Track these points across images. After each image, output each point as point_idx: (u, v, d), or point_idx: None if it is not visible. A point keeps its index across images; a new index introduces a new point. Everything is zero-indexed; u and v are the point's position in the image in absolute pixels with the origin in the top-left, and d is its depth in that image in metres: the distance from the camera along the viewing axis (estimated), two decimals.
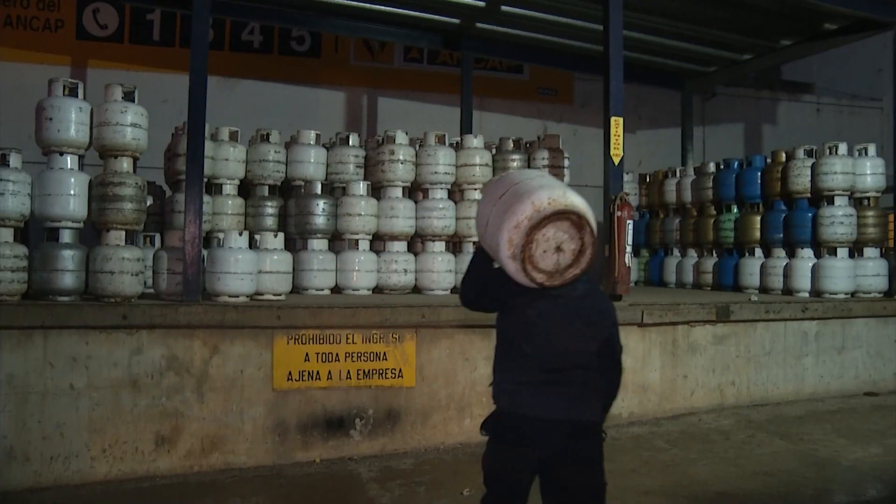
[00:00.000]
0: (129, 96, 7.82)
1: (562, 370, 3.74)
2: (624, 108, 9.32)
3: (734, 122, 17.23)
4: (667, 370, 9.30)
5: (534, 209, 3.54)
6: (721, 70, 14.63)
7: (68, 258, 7.43)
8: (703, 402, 9.50)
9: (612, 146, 9.19)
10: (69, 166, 7.66)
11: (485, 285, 4.00)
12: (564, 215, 3.58)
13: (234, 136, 9.67)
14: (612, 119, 9.20)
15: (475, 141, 10.25)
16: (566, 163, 10.27)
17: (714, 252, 12.51)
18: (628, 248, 8.99)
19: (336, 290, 9.50)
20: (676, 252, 13.29)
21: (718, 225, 12.30)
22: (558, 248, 3.64)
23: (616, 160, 9.21)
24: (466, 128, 12.20)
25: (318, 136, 10.13)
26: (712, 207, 12.64)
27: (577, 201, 3.63)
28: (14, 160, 7.53)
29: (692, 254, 12.90)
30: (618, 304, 8.95)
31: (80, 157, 7.79)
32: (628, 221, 8.96)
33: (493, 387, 4.01)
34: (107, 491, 6.90)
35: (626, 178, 10.46)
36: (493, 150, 10.55)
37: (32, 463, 6.91)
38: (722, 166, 12.57)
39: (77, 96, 7.71)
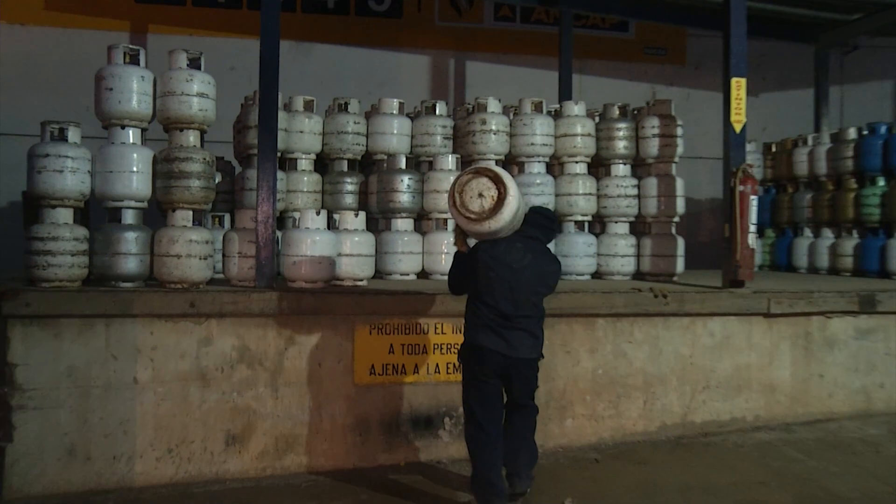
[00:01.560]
0: (194, 63, 7.86)
1: (510, 318, 6.12)
2: (747, 67, 9.00)
3: (881, 79, 16.28)
4: (799, 368, 9.01)
5: (464, 173, 6.09)
6: (865, 18, 13.32)
7: (131, 241, 7.52)
8: (844, 407, 9.16)
9: (732, 111, 8.89)
10: (131, 140, 7.74)
11: (462, 272, 6.32)
12: (482, 173, 6.00)
13: (309, 106, 9.67)
14: (733, 80, 8.90)
15: (576, 108, 10.08)
16: (679, 131, 9.99)
17: (854, 232, 11.98)
18: (752, 228, 8.70)
19: (423, 274, 9.44)
20: (808, 232, 12.80)
21: (860, 200, 11.75)
22: (480, 195, 5.95)
23: (737, 127, 8.92)
24: (565, 94, 12.01)
25: (401, 104, 10.07)
26: (853, 180, 12.08)
27: (493, 167, 6.24)
28: (72, 135, 7.63)
29: (827, 234, 12.39)
30: (740, 291, 8.78)
31: (143, 131, 7.88)
32: (752, 197, 8.66)
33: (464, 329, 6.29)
34: (173, 494, 6.97)
35: (748, 147, 10.11)
36: (597, 118, 10.38)
37: (94, 462, 7.03)
38: (865, 132, 12.01)
39: (139, 64, 7.79)
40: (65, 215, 7.50)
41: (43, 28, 12.82)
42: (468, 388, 6.31)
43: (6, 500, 6.81)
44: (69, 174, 7.44)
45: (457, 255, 6.38)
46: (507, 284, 6.09)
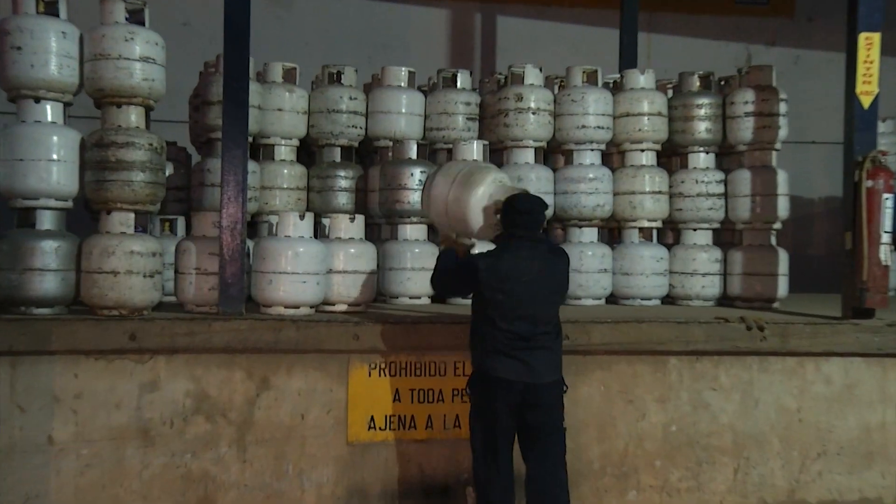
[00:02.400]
0: (136, 17, 7.79)
1: (529, 338, 6.42)
2: (883, 17, 8.69)
3: None
4: None
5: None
6: None
7: (50, 252, 7.46)
8: None
9: (859, 79, 8.63)
10: (49, 118, 7.70)
11: (461, 281, 6.77)
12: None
13: (290, 76, 9.68)
14: (862, 36, 8.63)
15: (643, 78, 10.01)
16: (782, 108, 9.81)
17: None
18: (885, 238, 8.49)
19: (438, 297, 9.41)
20: None
21: None
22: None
23: (866, 101, 8.67)
24: (629, 59, 11.85)
25: (411, 74, 10.03)
26: None
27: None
28: None
29: None
30: (867, 322, 8.51)
31: (66, 106, 7.83)
32: (885, 196, 8.42)
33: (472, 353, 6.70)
34: None
35: (881, 128, 9.80)
36: (670, 92, 10.32)
37: None
38: None
39: (58, 15, 7.72)
40: None
41: None
42: (481, 423, 6.61)
43: None
44: None
45: (450, 257, 6.90)
46: (519, 302, 6.41)
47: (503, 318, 6.37)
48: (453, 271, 6.70)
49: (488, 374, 6.41)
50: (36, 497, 7.01)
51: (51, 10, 7.68)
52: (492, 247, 6.79)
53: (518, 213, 6.57)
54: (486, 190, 6.90)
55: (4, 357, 6.92)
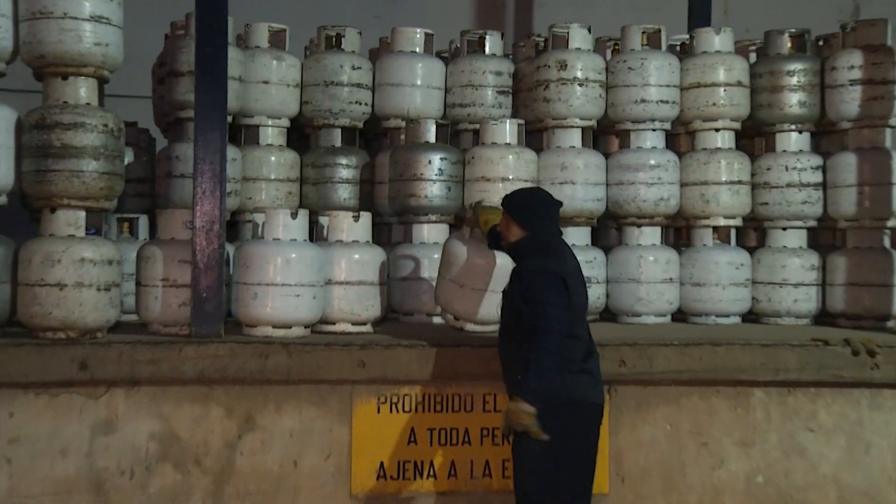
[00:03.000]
0: None
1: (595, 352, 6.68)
2: None
3: None
4: None
5: None
6: None
7: None
8: None
9: None
10: None
11: (553, 301, 6.33)
12: None
13: (278, 40, 9.72)
14: None
15: (718, 39, 9.91)
16: None
17: None
18: None
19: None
20: None
21: None
22: None
23: None
24: (700, 16, 11.88)
25: (428, 37, 10.04)
26: None
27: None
28: None
29: None
30: None
31: None
32: None
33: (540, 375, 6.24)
34: None
35: None
36: (753, 56, 10.27)
37: None
38: None
39: None
40: None
41: None
42: (571, 465, 6.45)
43: None
44: None
45: (543, 276, 6.54)
46: (585, 307, 6.77)
47: (582, 325, 6.59)
48: (551, 310, 6.27)
49: (578, 399, 6.39)
50: None
51: None
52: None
53: (548, 206, 6.83)
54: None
55: None
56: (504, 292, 6.85)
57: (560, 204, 6.91)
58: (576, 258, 6.72)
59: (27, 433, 7.07)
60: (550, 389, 6.18)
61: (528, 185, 9.13)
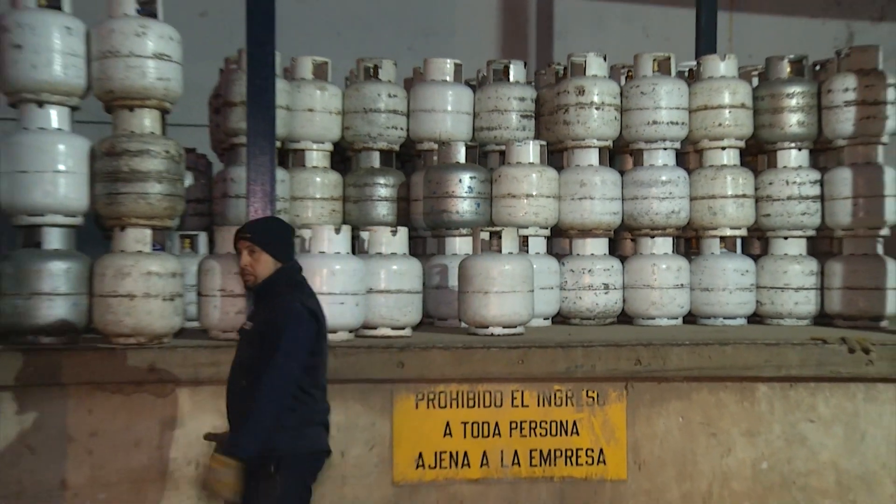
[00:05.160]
0: (147, 8, 7.95)
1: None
2: None
3: None
4: None
5: None
6: None
7: (58, 274, 7.62)
8: None
9: None
10: (55, 125, 7.86)
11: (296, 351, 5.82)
12: None
13: (321, 72, 9.81)
14: None
15: (724, 65, 10.05)
16: (890, 95, 9.76)
17: None
18: None
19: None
20: None
21: None
22: None
23: None
24: (707, 44, 11.89)
25: (457, 67, 10.15)
26: None
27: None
28: None
29: None
30: None
31: (73, 111, 8.00)
32: None
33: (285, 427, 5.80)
34: None
35: None
36: (755, 80, 10.35)
37: None
38: None
39: (61, 8, 7.88)
40: None
41: None
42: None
43: None
44: None
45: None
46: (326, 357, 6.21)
47: (323, 374, 6.05)
48: (291, 355, 5.73)
49: (319, 449, 6.03)
50: None
51: (53, 2, 7.82)
52: None
53: (293, 234, 6.52)
54: None
55: (10, 391, 7.07)
56: (243, 329, 6.19)
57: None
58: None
59: (105, 428, 7.25)
60: (277, 443, 5.69)
61: (551, 200, 9.41)
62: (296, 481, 5.85)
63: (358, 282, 8.03)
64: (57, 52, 7.68)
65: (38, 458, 7.19)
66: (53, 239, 7.81)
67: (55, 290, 7.58)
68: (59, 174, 7.69)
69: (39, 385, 7.18)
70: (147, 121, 7.93)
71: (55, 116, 7.86)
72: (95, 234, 8.13)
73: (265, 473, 5.70)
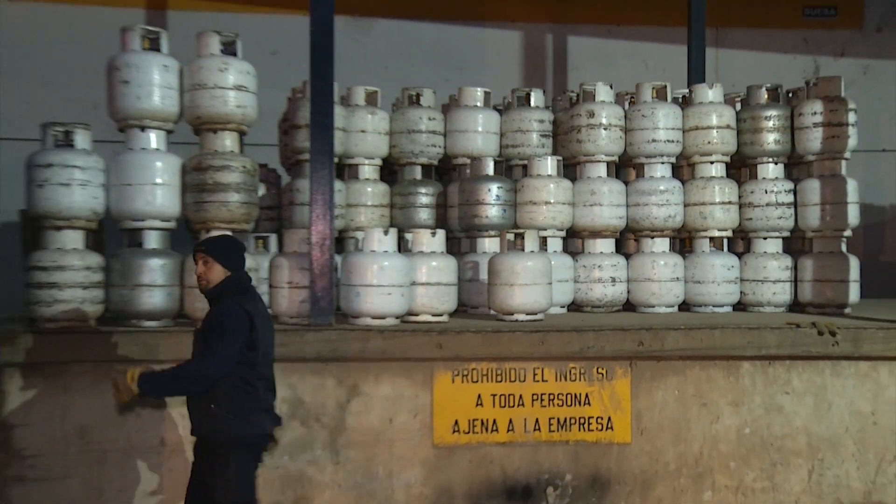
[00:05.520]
0: (229, 48, 8.18)
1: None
2: None
3: None
4: None
5: None
6: None
7: (157, 269, 7.86)
8: None
9: None
10: (154, 145, 8.09)
11: (230, 340, 6.04)
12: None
13: (372, 99, 9.87)
14: None
15: (711, 92, 10.13)
16: (851, 118, 9.85)
17: None
18: None
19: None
20: None
21: None
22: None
23: None
24: (697, 74, 11.69)
25: (486, 94, 10.21)
26: None
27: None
28: (81, 139, 8.00)
29: None
30: None
31: (168, 133, 8.21)
32: None
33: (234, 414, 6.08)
34: None
35: None
36: (738, 105, 10.40)
37: None
38: None
39: (160, 50, 8.14)
40: (73, 239, 7.86)
41: (42, 5, 13.06)
42: (247, 495, 6.27)
43: None
44: (78, 188, 7.79)
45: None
46: (268, 351, 6.43)
47: (267, 365, 6.32)
48: (223, 343, 5.98)
49: (256, 434, 6.23)
50: (151, 493, 7.37)
51: (154, 45, 8.09)
52: None
53: (243, 248, 6.55)
54: None
55: (120, 365, 7.11)
56: (195, 328, 6.54)
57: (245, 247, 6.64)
58: (262, 301, 6.46)
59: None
60: (230, 429, 6.00)
61: (566, 207, 9.53)
62: (245, 460, 6.15)
63: (403, 276, 8.10)
64: (156, 85, 7.94)
65: (143, 421, 7.40)
66: (152, 240, 8.05)
67: (153, 283, 7.84)
68: (157, 186, 7.93)
69: (141, 360, 7.25)
70: (228, 141, 8.16)
71: (154, 139, 8.11)
72: (185, 236, 8.27)
73: (219, 454, 6.07)
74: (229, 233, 7.57)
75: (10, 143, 10.93)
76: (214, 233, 7.87)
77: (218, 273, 6.19)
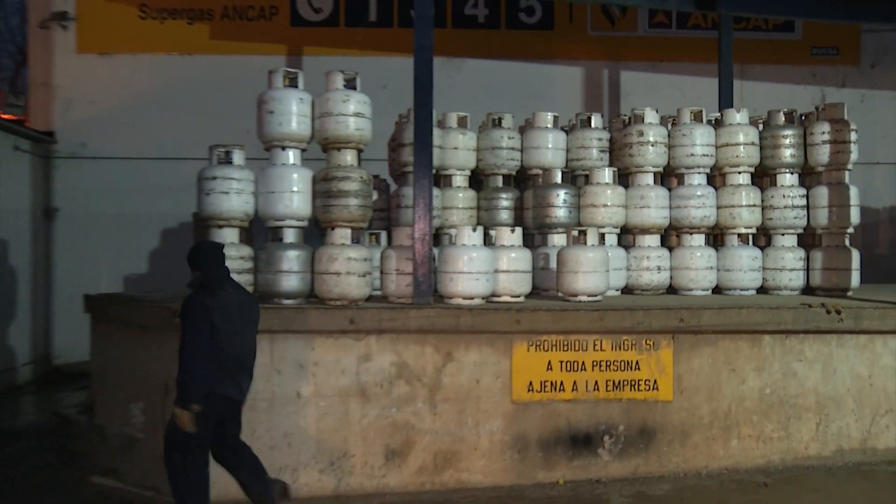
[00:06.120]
0: (350, 84, 8.18)
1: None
2: None
3: None
4: None
5: None
6: None
7: (293, 259, 7.90)
8: None
9: None
10: (291, 161, 8.14)
11: (196, 331, 6.06)
12: None
13: (462, 123, 9.83)
14: None
15: (738, 116, 9.97)
16: (852, 136, 9.69)
17: None
18: None
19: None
20: None
21: None
22: None
23: None
24: (726, 101, 11.56)
25: (555, 118, 10.11)
26: None
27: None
28: (238, 157, 8.09)
29: None
30: None
31: (302, 151, 8.26)
32: None
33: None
34: None
35: None
36: (760, 126, 10.21)
37: None
38: None
39: (297, 86, 8.18)
40: (231, 235, 7.97)
41: (207, 56, 13.80)
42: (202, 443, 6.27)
43: None
44: (235, 195, 7.91)
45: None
46: (235, 332, 6.34)
47: (231, 343, 6.20)
48: (193, 336, 6.05)
49: (218, 394, 6.17)
50: (291, 435, 7.43)
51: (292, 83, 8.14)
52: None
53: (215, 250, 6.55)
54: None
55: (265, 334, 7.17)
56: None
57: (221, 246, 6.63)
58: (235, 303, 6.28)
59: (322, 359, 7.47)
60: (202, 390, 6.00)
61: (620, 209, 9.42)
62: (203, 415, 6.03)
63: (488, 264, 8.04)
64: (294, 114, 8.02)
65: (283, 377, 7.45)
66: (290, 236, 8.08)
67: (291, 269, 7.89)
68: (294, 193, 7.99)
69: (283, 331, 7.42)
70: (349, 157, 8.16)
71: (292, 156, 8.17)
72: (315, 233, 8.32)
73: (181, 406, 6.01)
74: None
75: (187, 161, 11.07)
76: (338, 230, 8.00)
77: (195, 273, 6.34)
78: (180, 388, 6.01)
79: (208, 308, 6.06)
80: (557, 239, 9.31)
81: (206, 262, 6.38)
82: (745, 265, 9.63)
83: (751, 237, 9.85)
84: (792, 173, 9.91)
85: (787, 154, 9.82)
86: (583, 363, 7.88)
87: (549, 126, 10.02)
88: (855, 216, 9.68)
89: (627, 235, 9.85)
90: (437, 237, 9.35)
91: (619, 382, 7.90)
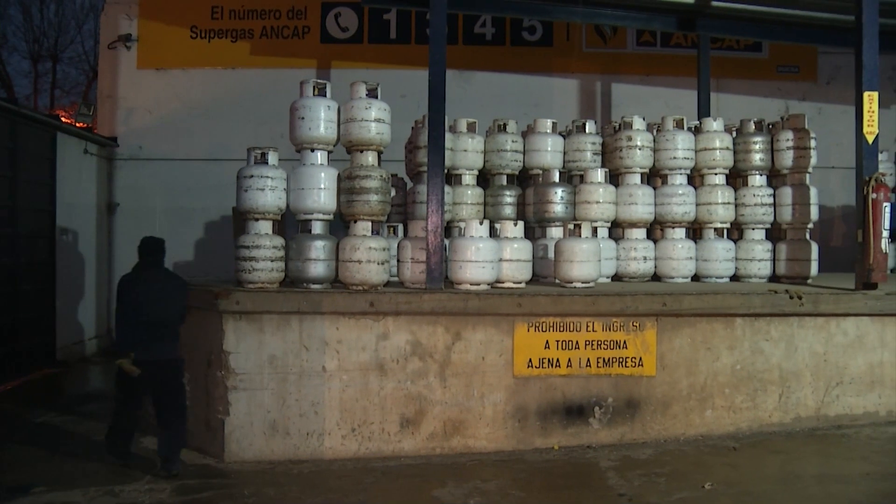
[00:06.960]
0: (372, 93, 8.02)
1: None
2: (878, 81, 8.47)
3: None
4: None
5: None
6: None
7: (320, 248, 7.74)
8: None
9: (865, 123, 8.39)
10: (319, 162, 7.97)
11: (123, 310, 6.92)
12: None
13: (471, 128, 9.67)
14: (866, 94, 8.37)
15: (715, 124, 9.78)
16: (812, 143, 9.54)
17: None
18: (885, 234, 8.29)
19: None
20: None
21: None
22: None
23: (870, 138, 8.41)
24: (704, 110, 11.54)
25: (554, 124, 9.96)
26: None
27: None
28: (272, 158, 7.94)
29: None
30: (873, 292, 8.33)
31: (329, 153, 8.09)
32: (884, 204, 8.24)
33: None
34: (357, 467, 7.16)
35: (881, 157, 9.43)
36: (734, 133, 10.02)
37: (292, 437, 7.33)
38: None
39: (325, 95, 8.00)
40: (265, 227, 7.81)
41: (248, 70, 13.84)
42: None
43: (227, 462, 7.28)
44: (269, 192, 7.75)
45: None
46: (149, 305, 6.95)
47: (144, 314, 6.77)
48: (118, 305, 6.91)
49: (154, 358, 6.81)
50: (317, 404, 7.34)
51: (321, 92, 7.99)
52: None
53: (145, 245, 7.07)
54: None
55: (295, 315, 7.22)
56: None
57: (160, 242, 7.10)
58: (159, 280, 6.93)
59: (345, 338, 7.36)
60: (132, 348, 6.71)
61: (611, 205, 9.31)
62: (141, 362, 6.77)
63: (493, 254, 7.91)
64: (322, 120, 7.86)
65: (310, 353, 7.34)
66: (317, 227, 7.93)
67: (318, 258, 7.73)
68: (321, 190, 7.84)
69: (310, 312, 7.34)
70: (370, 158, 7.98)
71: (319, 157, 8.01)
72: (339, 225, 8.16)
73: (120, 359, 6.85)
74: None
75: (229, 162, 11.13)
76: (360, 223, 7.88)
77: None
78: (116, 344, 6.98)
79: (129, 283, 6.86)
80: (555, 232, 9.17)
81: (141, 251, 7.03)
82: (720, 256, 9.44)
83: (725, 231, 9.69)
84: (761, 175, 9.75)
85: (757, 158, 9.66)
86: (577, 342, 7.73)
87: (548, 131, 9.86)
88: (814, 213, 9.55)
89: (617, 229, 9.68)
90: (448, 229, 9.20)
91: (609, 360, 7.75)
